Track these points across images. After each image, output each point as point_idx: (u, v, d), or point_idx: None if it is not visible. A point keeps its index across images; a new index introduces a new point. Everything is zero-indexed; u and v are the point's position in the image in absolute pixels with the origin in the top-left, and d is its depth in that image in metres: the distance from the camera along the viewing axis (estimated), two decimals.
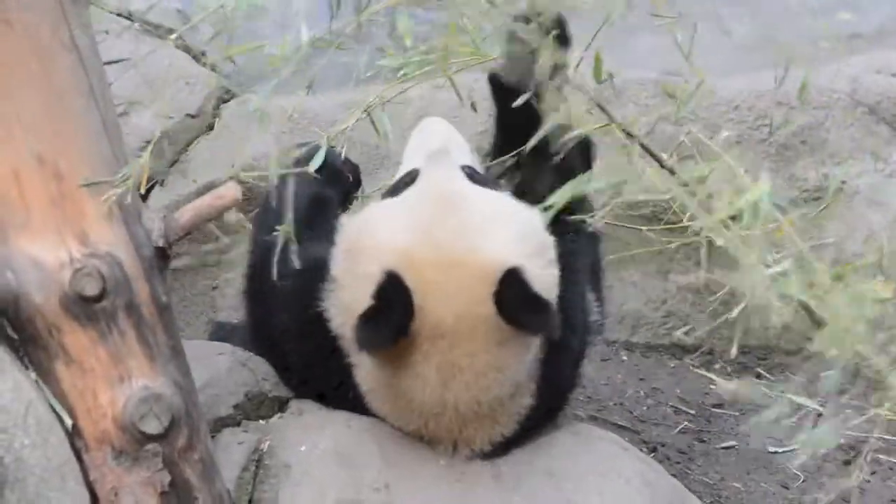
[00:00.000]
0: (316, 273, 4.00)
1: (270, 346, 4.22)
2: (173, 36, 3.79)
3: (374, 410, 3.96)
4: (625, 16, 3.22)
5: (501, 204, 3.90)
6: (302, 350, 4.08)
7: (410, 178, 4.02)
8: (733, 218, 3.54)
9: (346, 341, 3.92)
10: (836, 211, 5.47)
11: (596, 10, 3.33)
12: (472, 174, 3.99)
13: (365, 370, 3.91)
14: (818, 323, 4.87)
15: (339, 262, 3.95)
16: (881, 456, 4.96)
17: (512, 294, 3.63)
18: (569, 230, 3.88)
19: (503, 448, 3.92)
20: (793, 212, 3.47)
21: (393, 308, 3.67)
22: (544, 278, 3.76)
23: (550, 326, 3.66)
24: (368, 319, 3.66)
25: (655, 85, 5.43)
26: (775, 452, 4.93)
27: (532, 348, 3.81)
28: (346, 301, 3.82)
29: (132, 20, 4.36)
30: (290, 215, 3.39)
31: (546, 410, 3.98)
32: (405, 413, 3.87)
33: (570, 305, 3.93)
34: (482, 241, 3.73)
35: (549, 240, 3.87)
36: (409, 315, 3.68)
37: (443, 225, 3.74)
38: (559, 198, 3.47)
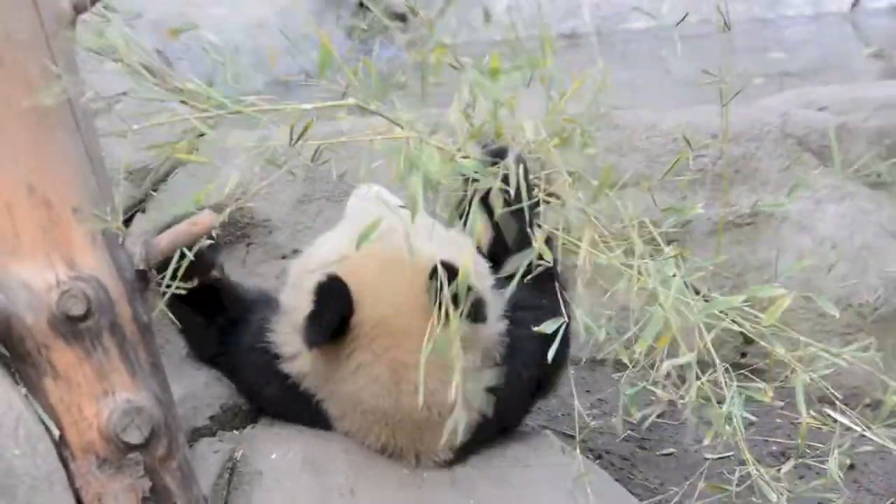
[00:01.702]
0: (262, 328, 4.06)
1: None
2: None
3: (347, 434, 3.99)
4: None
5: (432, 223, 3.94)
6: (273, 401, 4.11)
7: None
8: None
9: (308, 380, 3.97)
10: (766, 234, 5.52)
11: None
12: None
13: (334, 399, 3.95)
14: (748, 340, 4.94)
15: (287, 294, 4.01)
16: (809, 462, 5.00)
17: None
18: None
19: (461, 456, 3.96)
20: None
21: (332, 302, 3.76)
22: (478, 281, 3.79)
23: (478, 313, 3.71)
24: (313, 315, 3.76)
25: (600, 118, 5.47)
26: (712, 459, 4.97)
27: (470, 351, 3.83)
28: (295, 322, 3.87)
29: (114, 60, 4.39)
30: None
31: (494, 427, 4.01)
32: (373, 428, 3.91)
33: (520, 339, 3.97)
34: (415, 243, 3.78)
35: (481, 260, 3.92)
36: (348, 307, 3.78)
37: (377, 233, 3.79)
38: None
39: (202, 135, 4.26)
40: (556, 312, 4.14)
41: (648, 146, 5.66)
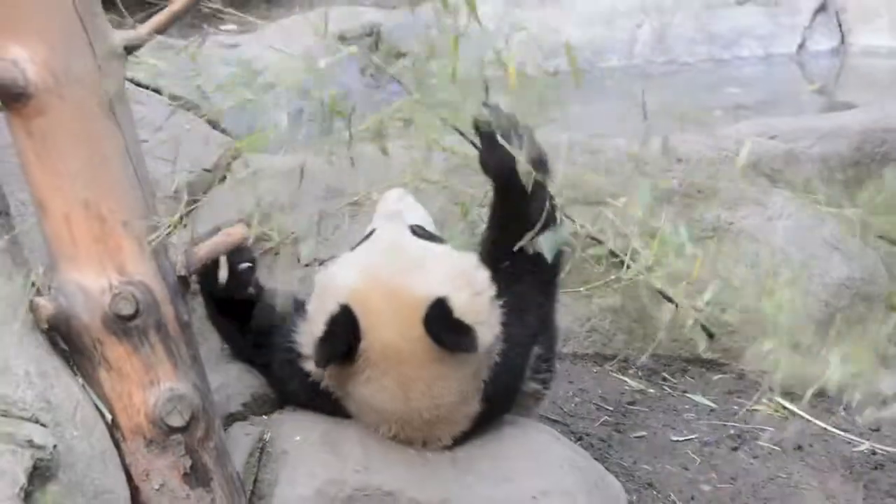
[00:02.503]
0: (289, 330, 4.04)
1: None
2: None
3: (364, 424, 3.98)
4: None
5: (436, 250, 3.94)
6: (297, 395, 4.09)
7: (367, 236, 4.07)
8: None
9: (328, 380, 3.95)
10: (726, 246, 5.52)
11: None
12: (416, 230, 4.02)
13: (350, 399, 3.93)
14: (710, 336, 4.94)
15: (311, 303, 3.98)
16: (762, 443, 5.01)
17: (436, 319, 3.68)
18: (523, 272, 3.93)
19: (461, 441, 3.95)
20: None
21: (342, 331, 3.74)
22: (471, 304, 3.79)
23: (469, 345, 3.70)
24: (323, 340, 3.75)
25: (582, 145, 5.47)
26: (677, 441, 4.98)
27: (470, 362, 3.82)
28: (315, 333, 3.86)
29: (160, 93, 4.40)
30: None
31: (492, 415, 3.99)
32: (387, 423, 3.88)
33: (512, 334, 3.96)
34: (415, 279, 3.78)
35: (480, 275, 3.89)
36: (356, 336, 3.74)
37: (384, 267, 3.79)
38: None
39: (236, 157, 4.27)
40: (546, 314, 4.14)
41: (622, 169, 5.66)
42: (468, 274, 3.87)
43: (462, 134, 3.82)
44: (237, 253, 3.90)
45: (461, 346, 3.72)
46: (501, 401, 4.02)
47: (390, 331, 3.74)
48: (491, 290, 3.89)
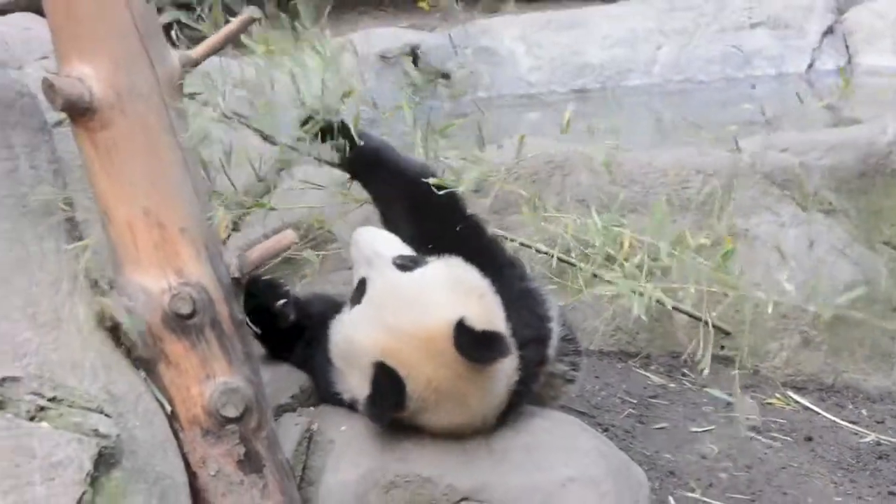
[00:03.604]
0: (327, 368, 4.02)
1: None
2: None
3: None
4: None
5: (426, 275, 3.84)
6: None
7: (363, 286, 3.91)
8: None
9: None
10: (742, 252, 5.50)
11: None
12: (400, 264, 3.89)
13: (414, 419, 3.84)
14: (727, 333, 4.92)
15: (337, 358, 3.93)
16: (775, 434, 4.99)
17: (467, 343, 3.61)
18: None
19: (500, 424, 3.90)
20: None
21: (389, 389, 3.67)
22: (484, 310, 3.76)
23: (504, 350, 3.65)
24: (373, 402, 3.70)
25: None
26: (696, 432, 4.95)
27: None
28: (352, 385, 3.85)
29: (205, 104, 4.41)
30: None
31: (526, 383, 3.93)
32: (448, 431, 3.82)
33: (518, 308, 3.90)
34: (425, 314, 3.70)
35: (474, 277, 3.85)
36: (402, 390, 3.68)
37: (394, 314, 3.72)
38: None
39: (285, 168, 4.28)
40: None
41: (644, 180, 5.66)
42: (465, 281, 3.81)
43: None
44: (272, 292, 4.05)
45: (499, 355, 3.66)
46: (525, 385, 3.95)
47: (429, 369, 3.67)
48: (488, 285, 3.85)
